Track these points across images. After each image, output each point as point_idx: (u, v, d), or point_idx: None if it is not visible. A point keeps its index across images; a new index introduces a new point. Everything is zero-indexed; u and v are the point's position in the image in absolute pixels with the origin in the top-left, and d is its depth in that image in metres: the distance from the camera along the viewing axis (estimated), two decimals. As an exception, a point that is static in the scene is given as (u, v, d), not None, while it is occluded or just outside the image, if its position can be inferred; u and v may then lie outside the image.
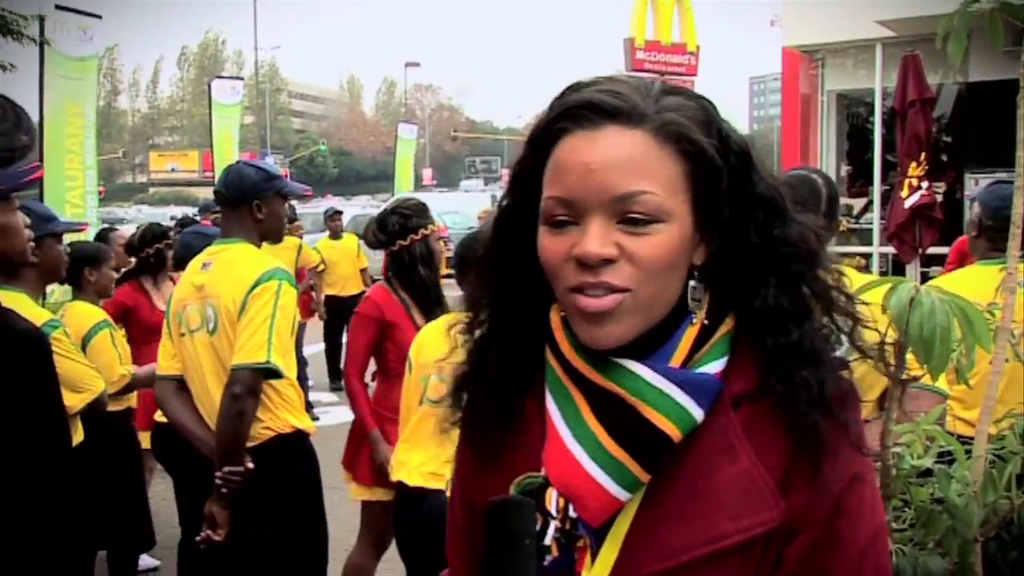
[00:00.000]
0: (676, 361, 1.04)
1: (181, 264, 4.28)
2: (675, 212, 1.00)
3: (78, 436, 3.56)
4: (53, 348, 3.23)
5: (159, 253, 5.16)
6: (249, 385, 3.05)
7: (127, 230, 6.94)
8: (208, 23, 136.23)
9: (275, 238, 3.47)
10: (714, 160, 1.02)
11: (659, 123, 1.01)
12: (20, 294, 3.34)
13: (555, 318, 1.09)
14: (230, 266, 3.20)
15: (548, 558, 1.04)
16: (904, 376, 1.28)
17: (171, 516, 4.66)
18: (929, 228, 8.91)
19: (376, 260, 9.32)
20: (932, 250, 8.89)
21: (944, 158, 10.36)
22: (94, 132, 10.26)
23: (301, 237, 9.82)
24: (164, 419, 3.74)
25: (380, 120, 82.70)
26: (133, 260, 5.37)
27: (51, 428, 1.63)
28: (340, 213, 10.97)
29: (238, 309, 3.10)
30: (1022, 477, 1.43)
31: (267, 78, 75.95)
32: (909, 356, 1.24)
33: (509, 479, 1.08)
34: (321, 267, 10.04)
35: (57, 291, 4.43)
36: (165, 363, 3.36)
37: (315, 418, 3.90)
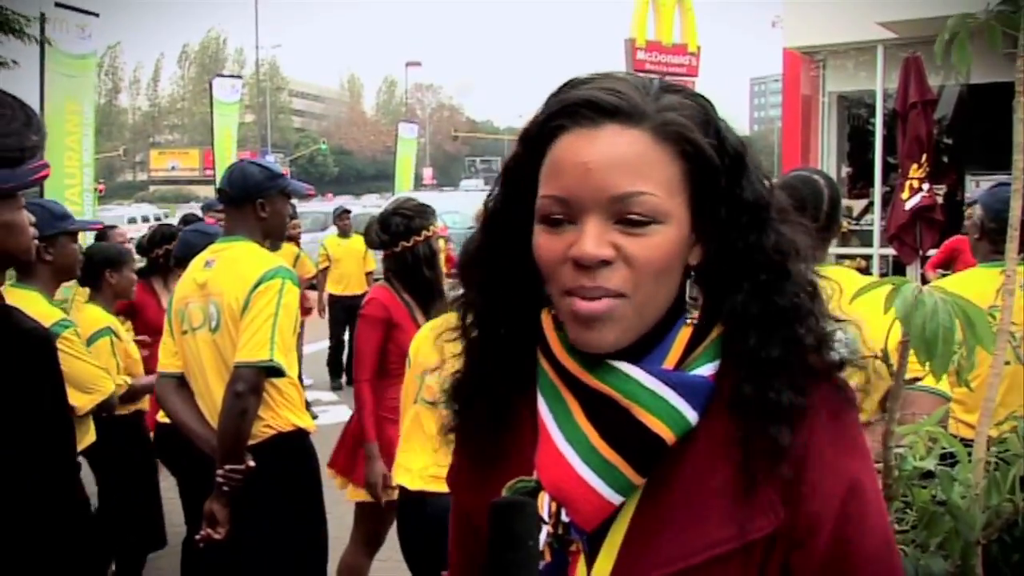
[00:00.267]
0: (669, 363, 1.03)
1: (180, 262, 4.27)
2: (673, 213, 0.99)
3: (90, 437, 3.56)
4: (63, 348, 3.27)
5: (168, 254, 5.14)
6: (252, 383, 3.05)
7: (125, 229, 6.93)
8: (209, 22, 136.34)
9: (278, 237, 3.47)
10: (712, 161, 1.01)
11: (658, 122, 0.99)
12: (33, 292, 3.35)
13: (547, 319, 1.08)
14: (233, 264, 3.20)
15: (541, 563, 1.02)
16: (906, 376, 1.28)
17: (170, 515, 4.66)
18: (930, 230, 8.91)
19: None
20: (933, 252, 8.89)
21: (945, 160, 10.37)
22: (92, 130, 10.29)
23: (299, 236, 9.81)
24: (165, 419, 3.75)
25: (380, 119, 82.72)
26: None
27: (54, 428, 1.63)
28: (349, 212, 10.95)
29: (241, 307, 3.10)
30: (1024, 479, 1.43)
31: (268, 77, 75.96)
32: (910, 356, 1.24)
33: (502, 483, 1.07)
34: (324, 264, 10.02)
35: (76, 291, 4.39)
36: (166, 360, 3.36)
37: (314, 416, 3.89)
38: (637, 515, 1.02)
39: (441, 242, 3.92)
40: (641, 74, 1.09)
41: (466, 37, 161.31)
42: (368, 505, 3.90)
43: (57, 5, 9.71)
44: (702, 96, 1.06)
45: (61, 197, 9.13)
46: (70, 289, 4.35)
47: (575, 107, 1.00)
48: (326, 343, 10.29)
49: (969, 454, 1.45)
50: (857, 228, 10.98)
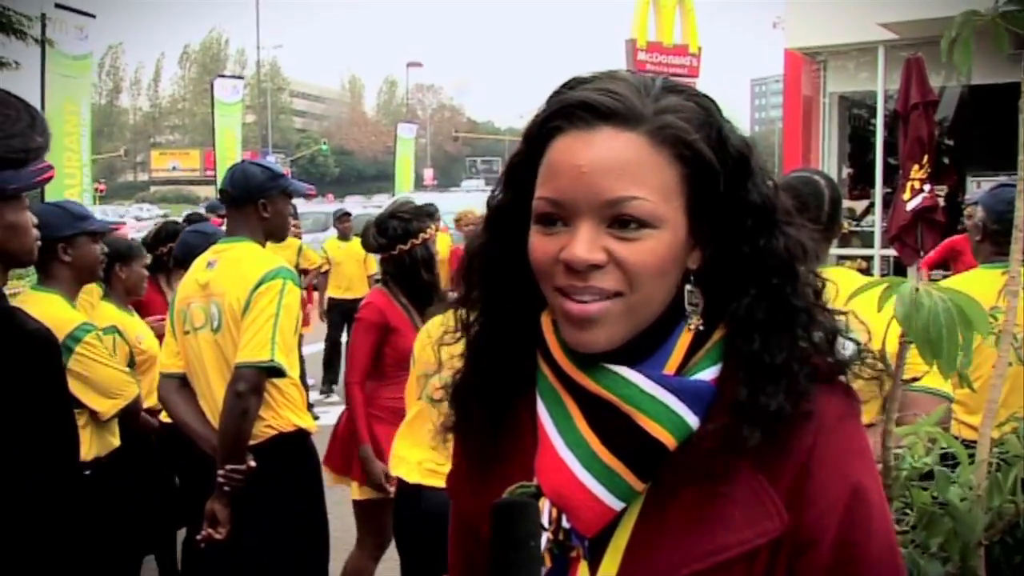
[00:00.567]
0: (671, 367, 1.02)
1: (180, 263, 4.27)
2: (668, 218, 0.98)
3: (115, 441, 3.53)
4: (86, 352, 3.26)
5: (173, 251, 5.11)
6: (253, 383, 3.05)
7: (127, 228, 6.91)
8: (210, 22, 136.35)
9: (280, 237, 3.47)
10: (711, 165, 0.99)
11: (656, 125, 0.98)
12: (54, 295, 3.32)
13: (547, 322, 1.07)
14: (235, 264, 3.20)
15: (542, 567, 1.01)
16: (905, 376, 1.28)
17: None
18: (931, 231, 8.89)
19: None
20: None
21: (946, 161, 10.36)
22: (89, 130, 10.33)
23: (300, 236, 9.79)
24: (166, 419, 3.74)
25: (381, 120, 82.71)
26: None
27: (57, 430, 1.63)
28: (349, 215, 10.87)
29: (242, 307, 3.10)
30: (1026, 481, 1.43)
31: (269, 77, 75.97)
32: (910, 355, 1.24)
33: (502, 488, 1.05)
34: (325, 267, 9.95)
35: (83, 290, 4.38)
36: (168, 360, 3.36)
37: (315, 417, 3.88)
38: (640, 521, 1.02)
39: (445, 239, 3.92)
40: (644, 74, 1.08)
41: (467, 38, 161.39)
42: (366, 503, 3.90)
43: (57, 6, 9.73)
44: (706, 97, 1.04)
45: (60, 197, 9.15)
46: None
47: (572, 108, 0.99)
48: (321, 345, 10.21)
49: (971, 455, 1.45)
50: (858, 229, 10.97)
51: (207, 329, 3.21)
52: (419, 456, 3.14)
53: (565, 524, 1.02)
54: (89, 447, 3.33)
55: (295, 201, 3.84)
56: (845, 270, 3.26)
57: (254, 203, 3.28)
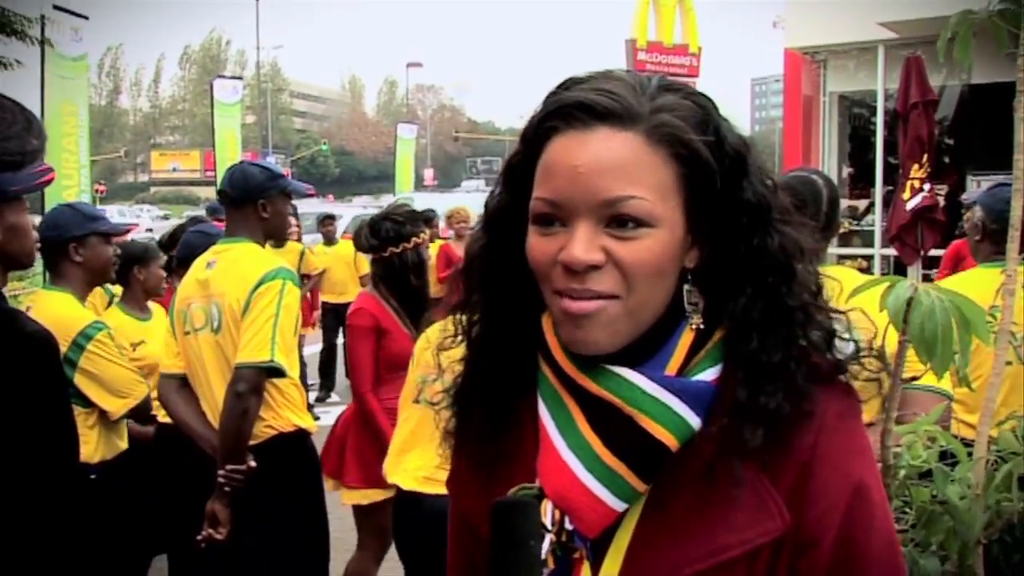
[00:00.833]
0: (672, 368, 1.02)
1: (183, 263, 4.27)
2: (665, 217, 0.98)
3: (122, 444, 3.53)
4: (97, 351, 3.27)
5: None
6: (253, 383, 3.06)
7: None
8: (210, 23, 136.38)
9: (279, 237, 3.47)
10: (708, 163, 0.99)
11: (652, 124, 0.98)
12: (65, 294, 3.34)
13: (547, 324, 1.07)
14: (234, 265, 3.21)
15: (545, 570, 1.01)
16: (904, 375, 1.28)
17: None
18: (931, 230, 8.90)
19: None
20: (934, 252, 8.88)
21: (946, 160, 10.35)
22: (87, 131, 10.36)
23: (300, 237, 9.75)
24: (165, 419, 3.74)
25: (382, 120, 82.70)
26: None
27: (56, 433, 1.63)
28: (333, 218, 10.62)
29: (242, 308, 3.11)
30: (1024, 479, 1.43)
31: (269, 78, 75.97)
32: (909, 355, 1.24)
33: (504, 490, 1.05)
34: (321, 269, 9.81)
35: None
36: (169, 361, 3.36)
37: (316, 418, 3.88)
38: (642, 522, 1.02)
39: (436, 245, 3.92)
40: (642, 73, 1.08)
41: (467, 38, 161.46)
42: (365, 508, 3.90)
43: (55, 8, 9.76)
44: (703, 95, 1.04)
45: (59, 198, 9.17)
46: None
47: (568, 108, 0.99)
48: (317, 347, 10.08)
49: (970, 454, 1.45)
50: (858, 228, 10.96)
51: (207, 330, 3.21)
52: (418, 463, 3.14)
53: (568, 526, 1.02)
54: (95, 449, 3.34)
55: (296, 202, 3.85)
56: (845, 269, 3.26)
57: (253, 203, 3.28)
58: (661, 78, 1.05)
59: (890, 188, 10.21)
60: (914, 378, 1.97)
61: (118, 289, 4.39)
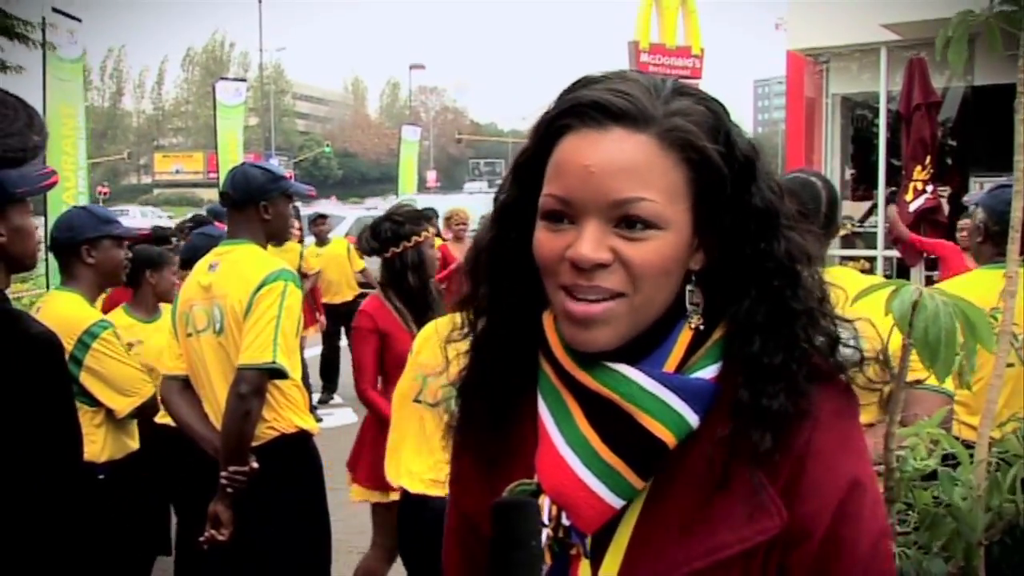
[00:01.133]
0: (671, 365, 1.03)
1: (186, 265, 4.28)
2: (673, 220, 0.99)
3: (133, 444, 3.55)
4: (102, 349, 3.30)
5: None
6: (255, 385, 3.06)
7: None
8: (212, 24, 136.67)
9: (281, 238, 3.49)
10: (719, 169, 1.00)
11: (665, 128, 0.99)
12: (75, 294, 3.38)
13: (548, 321, 1.08)
14: (236, 267, 3.22)
15: (542, 568, 1.02)
16: (907, 379, 1.28)
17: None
18: (934, 232, 8.89)
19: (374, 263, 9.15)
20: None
21: (949, 162, 10.34)
22: (85, 133, 10.43)
23: (302, 239, 9.72)
24: (163, 420, 3.74)
25: (384, 122, 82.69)
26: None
27: (60, 432, 1.64)
28: (325, 218, 10.47)
29: (244, 309, 3.11)
30: (1026, 481, 1.43)
31: (272, 80, 76.03)
32: (912, 358, 1.24)
33: (502, 486, 1.07)
34: (316, 269, 9.60)
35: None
36: (171, 363, 3.37)
37: (318, 419, 3.88)
38: (641, 520, 1.02)
39: (435, 249, 3.91)
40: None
41: (470, 39, 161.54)
42: (380, 507, 3.90)
43: (54, 10, 9.81)
44: (715, 100, 1.05)
45: (58, 200, 9.24)
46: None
47: (583, 107, 1.00)
48: (318, 349, 9.96)
49: (971, 456, 1.45)
50: (861, 230, 10.96)
51: (209, 331, 3.22)
52: (422, 466, 3.14)
53: (565, 522, 1.03)
54: (102, 448, 3.36)
55: (298, 203, 3.86)
56: (847, 270, 3.25)
57: (255, 205, 3.29)
58: (675, 81, 1.05)
59: (893, 190, 10.20)
60: (917, 381, 1.97)
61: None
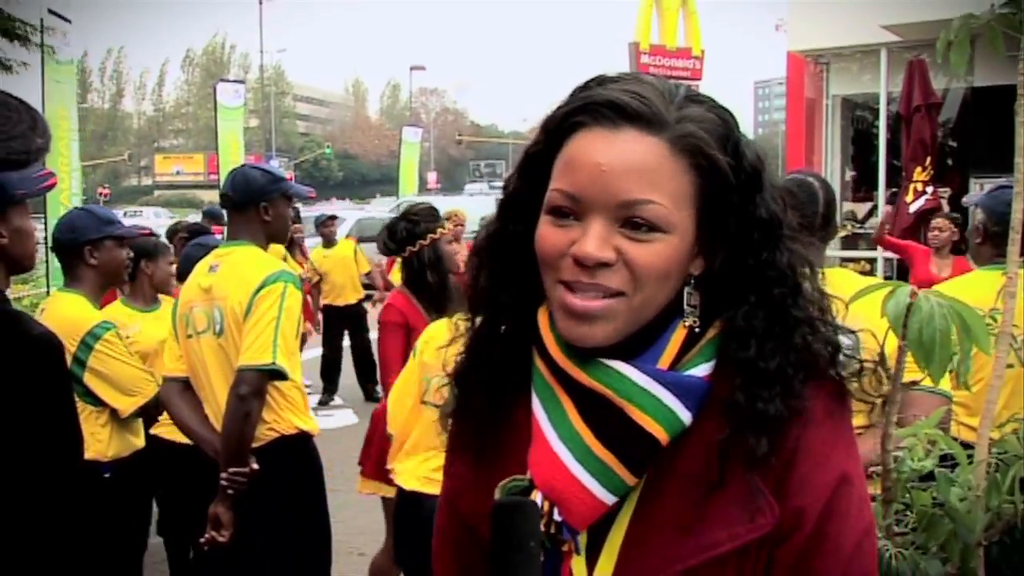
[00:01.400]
0: (664, 363, 1.03)
1: (183, 277, 4.28)
2: (678, 225, 1.00)
3: (138, 442, 3.58)
4: (105, 350, 3.33)
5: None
6: (255, 386, 3.06)
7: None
8: (214, 26, 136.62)
9: (281, 239, 3.50)
10: (726, 177, 1.01)
11: (678, 133, 1.00)
12: (78, 296, 3.41)
13: (543, 318, 1.08)
14: (236, 268, 3.22)
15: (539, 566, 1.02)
16: (903, 380, 1.28)
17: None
18: (935, 233, 8.88)
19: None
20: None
21: (950, 163, 10.36)
22: (77, 135, 10.49)
23: (302, 241, 9.70)
24: (157, 432, 3.76)
25: (385, 123, 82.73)
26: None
27: (60, 435, 1.64)
28: (333, 219, 10.28)
29: (244, 311, 3.12)
30: (1024, 481, 1.43)
31: (272, 81, 76.08)
32: (909, 359, 1.24)
33: (496, 483, 1.07)
34: (315, 279, 9.52)
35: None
36: (171, 364, 3.37)
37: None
38: (635, 518, 1.03)
39: (455, 244, 3.90)
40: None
41: (470, 41, 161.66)
42: (389, 502, 3.89)
43: (50, 12, 9.83)
44: (726, 110, 1.06)
45: (55, 202, 9.29)
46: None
47: (597, 106, 1.01)
48: (319, 350, 9.85)
49: (970, 457, 1.45)
50: (861, 231, 10.96)
51: (210, 333, 3.22)
52: (415, 463, 3.14)
53: (557, 517, 1.03)
54: (107, 447, 3.39)
55: (298, 205, 3.87)
56: (845, 271, 3.26)
57: (256, 206, 3.30)
58: (688, 88, 1.07)
59: (893, 191, 10.21)
60: (914, 382, 1.97)
61: None
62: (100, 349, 3.33)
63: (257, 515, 3.13)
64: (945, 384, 2.21)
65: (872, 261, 10.59)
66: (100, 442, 3.34)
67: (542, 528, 1.03)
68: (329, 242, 9.91)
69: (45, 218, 9.12)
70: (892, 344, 1.22)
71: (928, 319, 1.11)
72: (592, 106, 1.01)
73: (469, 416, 1.15)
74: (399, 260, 3.86)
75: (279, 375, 3.11)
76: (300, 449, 3.31)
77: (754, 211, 1.03)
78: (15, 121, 1.57)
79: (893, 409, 1.30)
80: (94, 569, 1.85)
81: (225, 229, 3.88)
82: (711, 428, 1.02)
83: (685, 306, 1.05)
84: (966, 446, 1.50)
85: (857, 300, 1.20)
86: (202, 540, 3.15)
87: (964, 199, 5.16)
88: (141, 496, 3.67)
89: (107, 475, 3.36)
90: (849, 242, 10.60)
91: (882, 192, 10.74)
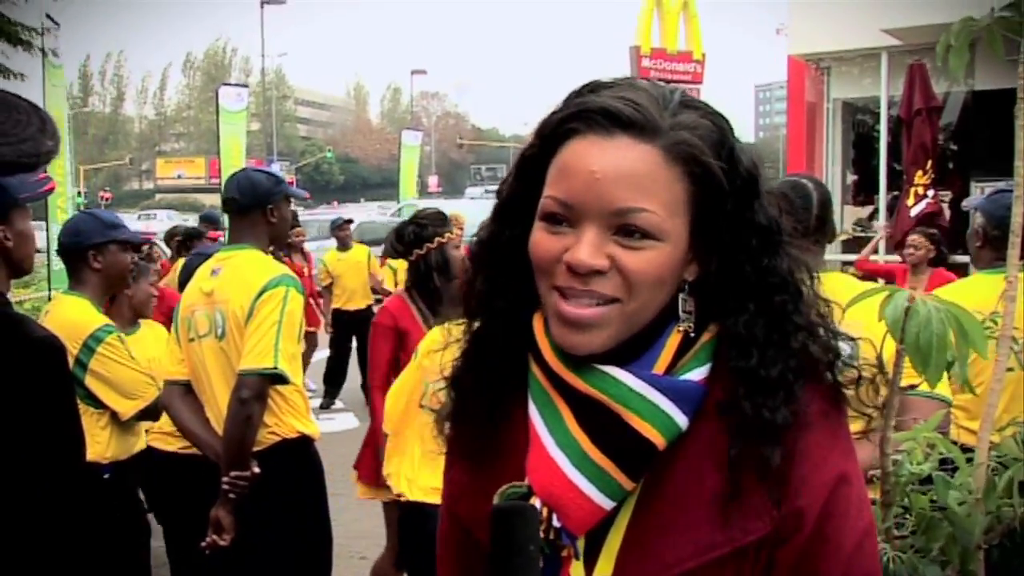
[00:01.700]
0: (659, 368, 1.03)
1: (183, 288, 4.28)
2: (672, 232, 1.00)
3: (140, 444, 3.59)
4: (106, 353, 3.33)
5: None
6: (256, 390, 3.07)
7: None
8: (215, 30, 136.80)
9: (283, 242, 3.52)
10: (720, 185, 1.01)
11: (671, 141, 0.99)
12: (82, 299, 3.42)
13: (538, 325, 1.08)
14: (238, 272, 3.23)
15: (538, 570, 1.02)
16: (901, 384, 1.29)
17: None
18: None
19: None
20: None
21: (950, 166, 10.35)
22: (68, 138, 10.54)
23: (303, 244, 9.70)
24: (152, 444, 3.76)
25: (386, 127, 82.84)
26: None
27: (61, 437, 1.64)
28: (349, 223, 10.32)
29: (246, 315, 3.12)
30: (1024, 485, 1.43)
31: (274, 85, 76.14)
32: (907, 363, 1.25)
33: (494, 489, 1.07)
34: (328, 281, 9.64)
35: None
36: (173, 368, 3.37)
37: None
38: (633, 521, 1.03)
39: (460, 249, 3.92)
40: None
41: (471, 45, 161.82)
42: (390, 506, 3.89)
43: (48, 17, 9.87)
44: (721, 116, 1.06)
45: (53, 205, 9.32)
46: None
47: (591, 113, 1.00)
48: (326, 352, 9.93)
49: (970, 460, 1.45)
50: (862, 235, 10.96)
51: (211, 336, 3.22)
52: (421, 473, 3.14)
53: (555, 523, 1.03)
54: (107, 448, 3.40)
55: (296, 208, 3.89)
56: (843, 275, 3.26)
57: (262, 209, 3.32)
58: (683, 93, 1.06)
59: (894, 194, 10.21)
60: (912, 386, 1.96)
61: None
62: (102, 352, 3.34)
63: (258, 519, 3.14)
64: (943, 388, 2.21)
65: (873, 265, 10.58)
66: (99, 444, 3.35)
67: (541, 534, 1.03)
68: (344, 246, 9.95)
69: (47, 222, 9.15)
70: (890, 350, 1.23)
71: (925, 323, 1.11)
72: (586, 113, 1.01)
73: (466, 420, 1.15)
74: (389, 264, 3.89)
75: (280, 379, 3.11)
76: (301, 453, 3.31)
77: (752, 217, 1.03)
78: (25, 124, 1.57)
79: (891, 413, 1.30)
80: (95, 570, 1.85)
81: (225, 233, 3.90)
82: (708, 432, 1.02)
83: (680, 312, 1.05)
84: (966, 449, 1.50)
85: (854, 305, 1.20)
86: (203, 544, 3.15)
87: (964, 203, 5.16)
88: (140, 497, 3.67)
89: (106, 476, 3.37)
90: (851, 246, 10.60)
91: (883, 196, 10.73)
